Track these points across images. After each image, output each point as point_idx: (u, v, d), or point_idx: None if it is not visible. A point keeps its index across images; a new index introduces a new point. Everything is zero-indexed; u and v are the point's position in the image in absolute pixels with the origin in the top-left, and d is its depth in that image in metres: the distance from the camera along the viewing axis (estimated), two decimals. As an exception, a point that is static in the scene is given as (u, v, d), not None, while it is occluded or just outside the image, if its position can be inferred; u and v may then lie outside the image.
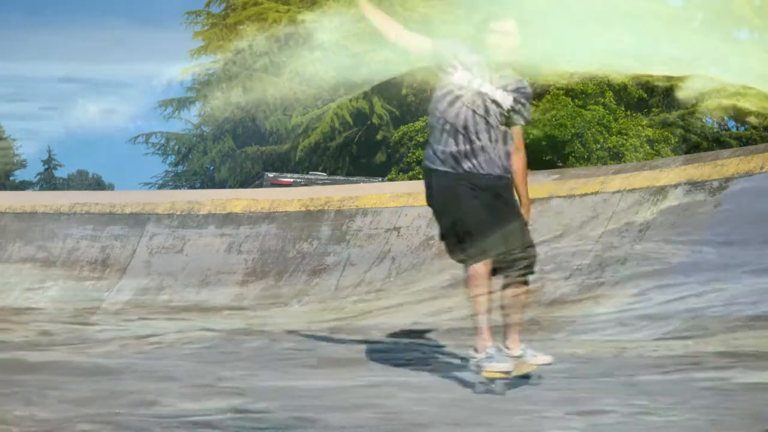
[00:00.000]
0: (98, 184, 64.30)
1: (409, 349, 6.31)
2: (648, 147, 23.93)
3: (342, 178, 22.77)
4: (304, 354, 6.12)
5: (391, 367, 5.55)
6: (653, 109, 27.26)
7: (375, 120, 28.99)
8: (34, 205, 11.59)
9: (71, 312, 9.09)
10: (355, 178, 21.60)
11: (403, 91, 27.14)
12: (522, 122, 4.84)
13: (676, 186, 7.74)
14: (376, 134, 29.17)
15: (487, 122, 4.73)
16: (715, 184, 7.51)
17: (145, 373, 5.25)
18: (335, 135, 29.14)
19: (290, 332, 7.17)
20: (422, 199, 9.19)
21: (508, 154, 4.80)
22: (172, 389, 4.61)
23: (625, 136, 23.60)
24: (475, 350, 4.66)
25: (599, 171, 8.66)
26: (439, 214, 4.93)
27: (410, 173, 25.22)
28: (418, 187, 10.10)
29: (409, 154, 26.20)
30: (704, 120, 28.88)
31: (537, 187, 8.58)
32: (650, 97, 26.89)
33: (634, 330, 6.48)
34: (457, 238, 4.78)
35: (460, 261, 4.82)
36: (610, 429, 3.70)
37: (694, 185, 7.63)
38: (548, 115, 22.99)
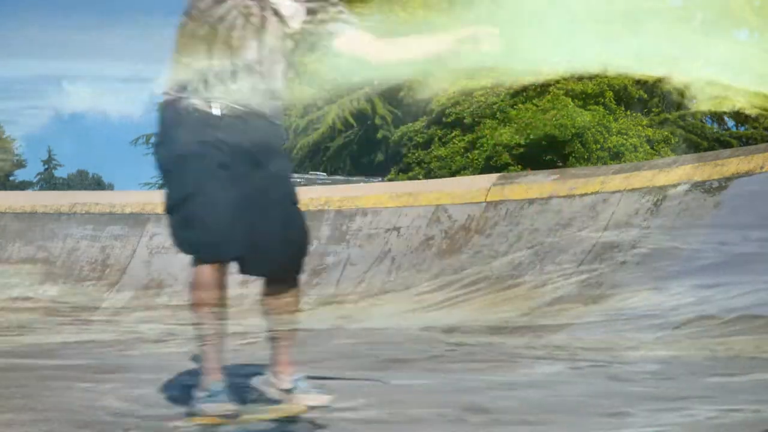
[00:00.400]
0: (98, 184, 64.38)
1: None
2: (648, 147, 23.95)
3: (342, 178, 22.79)
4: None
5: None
6: (653, 109, 27.27)
7: (378, 121, 29.00)
8: (34, 205, 11.58)
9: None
10: (355, 178, 21.61)
11: (401, 93, 27.21)
12: (348, 29, 3.58)
13: (676, 186, 7.74)
14: (376, 134, 29.19)
15: (261, 38, 3.43)
16: (715, 184, 7.51)
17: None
18: (335, 135, 29.17)
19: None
20: (422, 199, 9.27)
21: (279, 95, 3.58)
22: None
23: (625, 136, 23.63)
24: (200, 388, 3.43)
25: (599, 171, 8.66)
26: (166, 181, 3.47)
27: (410, 173, 25.27)
28: (418, 186, 10.11)
29: (409, 154, 26.24)
30: (704, 120, 28.90)
31: (537, 187, 8.59)
32: (650, 97, 26.91)
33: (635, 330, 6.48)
34: (186, 221, 3.35)
35: (186, 254, 3.44)
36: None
37: (694, 185, 7.63)
38: (548, 115, 23.01)
